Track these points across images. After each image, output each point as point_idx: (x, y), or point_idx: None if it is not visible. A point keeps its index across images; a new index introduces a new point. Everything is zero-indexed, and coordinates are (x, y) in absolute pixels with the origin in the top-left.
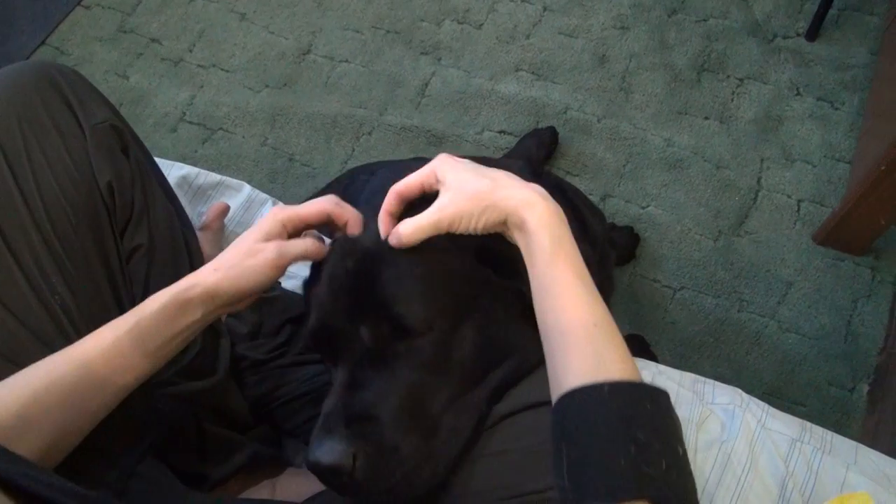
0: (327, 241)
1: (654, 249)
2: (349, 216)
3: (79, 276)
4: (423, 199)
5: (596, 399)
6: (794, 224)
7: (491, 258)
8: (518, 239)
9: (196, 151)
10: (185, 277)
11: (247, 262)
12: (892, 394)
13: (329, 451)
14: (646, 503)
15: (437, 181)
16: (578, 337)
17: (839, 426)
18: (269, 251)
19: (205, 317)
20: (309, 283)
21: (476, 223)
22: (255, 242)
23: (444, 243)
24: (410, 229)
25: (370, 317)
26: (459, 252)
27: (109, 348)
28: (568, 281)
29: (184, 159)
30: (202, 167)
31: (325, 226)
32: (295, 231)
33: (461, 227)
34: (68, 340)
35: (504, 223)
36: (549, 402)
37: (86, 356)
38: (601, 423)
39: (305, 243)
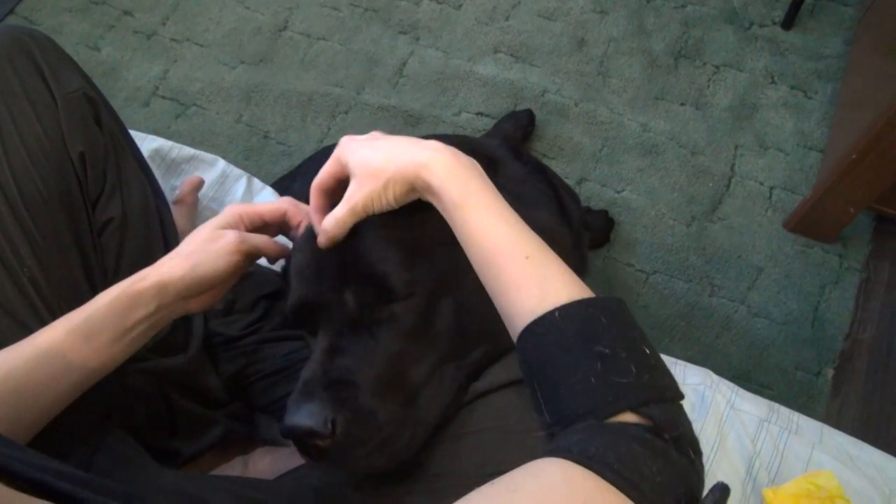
0: (288, 243)
1: (628, 234)
2: (299, 220)
3: (48, 248)
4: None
5: (549, 328)
6: (766, 211)
7: None
8: (432, 202)
9: (169, 127)
10: (141, 270)
11: (206, 247)
12: (855, 378)
13: (307, 414)
14: (630, 414)
15: (344, 167)
16: (513, 275)
17: (805, 409)
18: (230, 235)
19: (161, 309)
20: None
21: (387, 199)
22: (214, 230)
23: (427, 213)
24: (332, 223)
25: (355, 281)
26: (439, 227)
27: (62, 342)
28: (485, 225)
29: (156, 134)
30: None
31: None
32: (252, 227)
33: (376, 207)
34: (36, 314)
35: (414, 190)
36: (519, 382)
37: (38, 350)
38: (561, 349)
39: (264, 237)
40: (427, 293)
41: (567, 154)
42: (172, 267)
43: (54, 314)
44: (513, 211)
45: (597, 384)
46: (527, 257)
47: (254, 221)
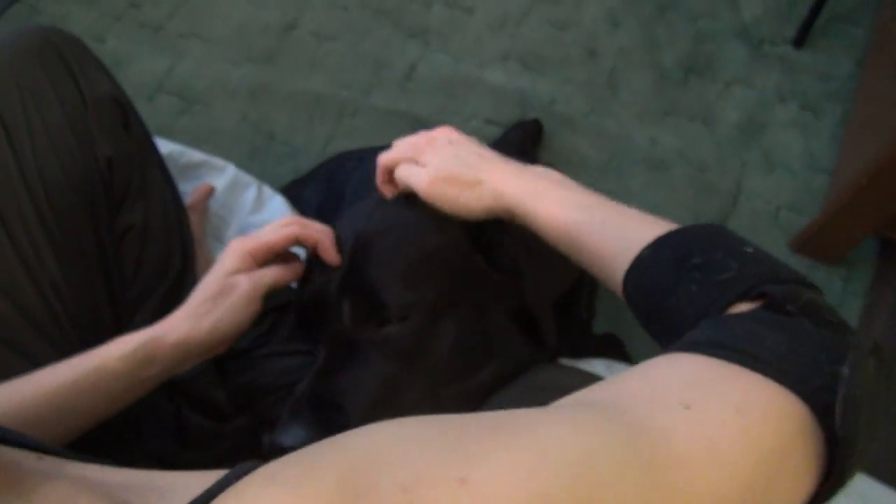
0: (301, 253)
1: None
2: (318, 237)
3: (71, 252)
4: None
5: (643, 267)
6: (772, 231)
7: (483, 243)
8: (514, 219)
9: (173, 123)
10: (156, 325)
11: (222, 303)
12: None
13: (291, 436)
14: (743, 304)
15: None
16: (597, 245)
17: None
18: (244, 285)
19: (176, 367)
20: (309, 265)
21: (461, 207)
22: (224, 279)
23: (438, 224)
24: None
25: (353, 294)
26: (452, 234)
27: (69, 389)
28: (556, 214)
29: (160, 131)
30: (179, 140)
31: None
32: (263, 261)
33: (448, 207)
34: (55, 320)
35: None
36: None
37: (42, 392)
38: (658, 281)
39: (278, 270)
40: (424, 317)
41: (574, 166)
42: (191, 328)
43: (73, 320)
44: (583, 191)
45: (698, 290)
46: (603, 223)
47: (265, 256)
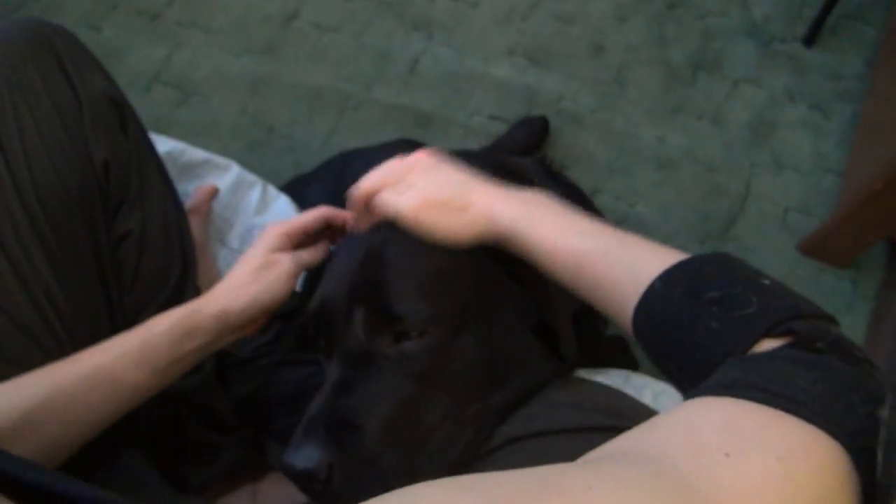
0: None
1: None
2: (346, 216)
3: (66, 260)
4: None
5: (655, 300)
6: (780, 233)
7: (505, 256)
8: (508, 246)
9: (170, 115)
10: (196, 299)
11: (264, 277)
12: None
13: (304, 456)
14: (767, 341)
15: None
16: (602, 275)
17: None
18: (286, 261)
19: (217, 340)
20: (313, 276)
21: (448, 234)
22: (266, 255)
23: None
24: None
25: (366, 306)
26: (469, 252)
27: (112, 365)
28: (559, 244)
29: (157, 123)
30: (176, 133)
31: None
32: (298, 244)
33: (431, 231)
34: (51, 330)
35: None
36: (559, 431)
37: (87, 371)
38: (673, 314)
39: (314, 250)
40: (444, 331)
41: (581, 164)
42: (234, 298)
43: (68, 330)
44: (580, 218)
45: (720, 328)
46: (605, 254)
47: (299, 237)
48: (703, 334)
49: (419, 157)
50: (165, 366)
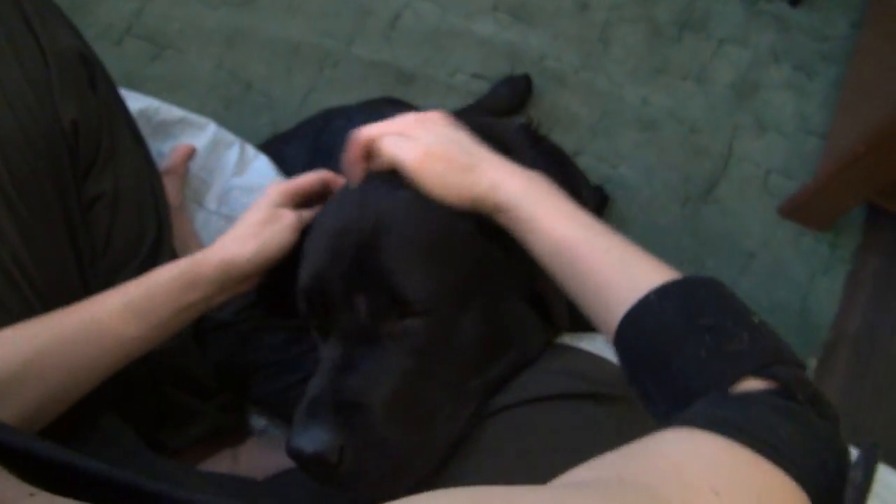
0: None
1: (621, 212)
2: (342, 179)
3: (34, 224)
4: None
5: (646, 313)
6: (761, 195)
7: (492, 231)
8: (500, 220)
9: (143, 70)
10: (200, 251)
11: (268, 229)
12: (838, 369)
13: (314, 439)
14: (752, 381)
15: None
16: (598, 272)
17: None
18: (290, 216)
19: (219, 292)
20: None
21: (441, 193)
22: (271, 209)
23: (447, 209)
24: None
25: (368, 286)
26: (463, 218)
27: (113, 317)
28: (560, 231)
29: (129, 78)
30: (149, 88)
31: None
32: (298, 203)
33: (428, 186)
34: (20, 296)
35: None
36: (551, 398)
37: (87, 322)
38: (663, 330)
39: (312, 211)
40: (448, 308)
41: (564, 124)
42: (239, 249)
43: (41, 296)
44: (584, 212)
45: (708, 357)
46: (608, 250)
47: (301, 198)
48: (689, 360)
49: (433, 113)
50: (168, 317)
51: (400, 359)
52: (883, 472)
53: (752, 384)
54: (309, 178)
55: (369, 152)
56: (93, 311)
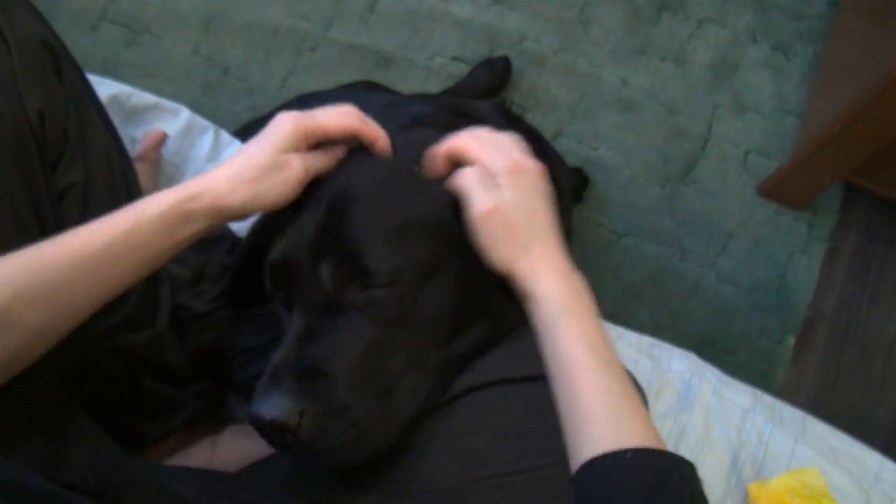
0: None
1: (601, 193)
2: (378, 134)
3: (2, 216)
4: None
5: (619, 467)
6: (740, 175)
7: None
8: (523, 301)
9: (118, 56)
10: (192, 181)
11: (269, 178)
12: (815, 347)
13: (274, 405)
14: None
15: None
16: (590, 405)
17: (766, 376)
18: (296, 167)
19: (209, 228)
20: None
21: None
22: (277, 153)
23: (423, 190)
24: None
25: (332, 255)
26: (437, 202)
27: (102, 251)
28: (573, 347)
29: (104, 64)
30: (125, 75)
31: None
32: (315, 144)
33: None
34: None
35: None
36: (519, 380)
37: (75, 256)
38: (626, 490)
39: (327, 158)
40: (413, 280)
41: (543, 106)
42: (232, 191)
43: None
44: (605, 336)
45: None
46: (608, 390)
47: (318, 140)
48: None
49: (536, 168)
50: (156, 253)
51: (363, 329)
52: (853, 447)
53: None
54: (336, 119)
55: (453, 158)
56: (78, 245)
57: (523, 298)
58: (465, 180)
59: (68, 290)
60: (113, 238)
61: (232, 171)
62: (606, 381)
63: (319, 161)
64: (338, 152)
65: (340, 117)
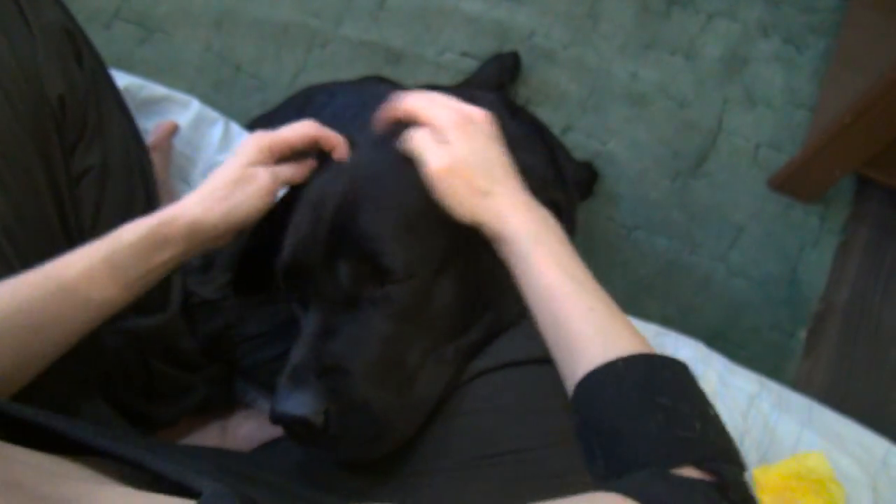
0: None
1: (611, 187)
2: (336, 141)
3: (22, 195)
4: None
5: (612, 376)
6: (751, 168)
7: None
8: (494, 245)
9: (132, 53)
10: (167, 208)
11: (239, 192)
12: (827, 341)
13: (298, 404)
14: (693, 469)
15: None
16: (577, 326)
17: (777, 369)
18: (263, 177)
19: (186, 253)
20: (285, 207)
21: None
22: (242, 168)
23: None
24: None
25: (349, 253)
26: None
27: (80, 277)
28: (551, 276)
29: (117, 61)
30: (138, 72)
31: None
32: (280, 157)
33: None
34: (6, 263)
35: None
36: (527, 362)
37: (54, 283)
38: (621, 398)
39: (295, 167)
40: (429, 273)
41: (553, 101)
42: (205, 211)
43: (26, 266)
44: (578, 261)
45: (658, 435)
46: (591, 309)
47: (283, 152)
48: (638, 432)
49: (481, 115)
50: (135, 278)
51: (380, 324)
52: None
53: (691, 471)
54: (294, 131)
55: (403, 119)
56: (54, 273)
57: (494, 242)
58: (416, 141)
59: (48, 318)
60: (90, 265)
61: (204, 193)
62: (588, 302)
63: (288, 170)
64: (309, 162)
65: (299, 128)
